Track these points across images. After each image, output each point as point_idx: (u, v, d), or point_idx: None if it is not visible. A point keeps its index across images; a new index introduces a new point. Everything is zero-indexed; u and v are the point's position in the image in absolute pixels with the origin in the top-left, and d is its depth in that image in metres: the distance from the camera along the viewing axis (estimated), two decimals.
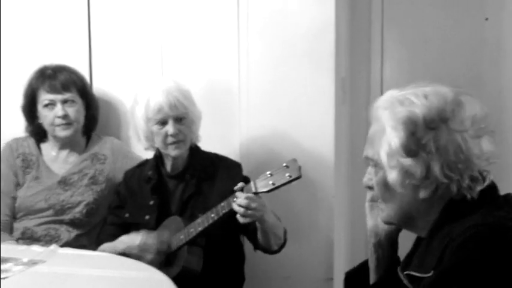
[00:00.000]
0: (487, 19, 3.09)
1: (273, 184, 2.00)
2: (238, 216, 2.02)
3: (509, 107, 3.07)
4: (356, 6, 3.14)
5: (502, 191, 1.42)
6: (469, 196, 1.29)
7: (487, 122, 1.32)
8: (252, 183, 2.04)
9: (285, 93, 2.55)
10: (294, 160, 2.00)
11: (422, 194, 1.32)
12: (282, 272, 2.54)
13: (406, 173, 1.31)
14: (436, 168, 1.28)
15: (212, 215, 2.08)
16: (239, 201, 2.01)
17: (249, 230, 2.19)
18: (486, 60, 3.09)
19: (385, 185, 1.36)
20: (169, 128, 2.23)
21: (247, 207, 1.99)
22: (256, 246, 2.23)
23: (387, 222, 1.43)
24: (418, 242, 1.44)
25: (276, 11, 2.53)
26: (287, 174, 1.98)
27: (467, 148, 1.28)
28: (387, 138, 1.33)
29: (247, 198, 2.00)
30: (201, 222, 2.10)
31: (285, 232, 2.21)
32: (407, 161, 1.30)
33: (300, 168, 1.98)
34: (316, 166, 2.47)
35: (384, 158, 1.34)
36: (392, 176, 1.33)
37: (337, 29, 2.51)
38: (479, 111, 1.31)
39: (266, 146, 2.58)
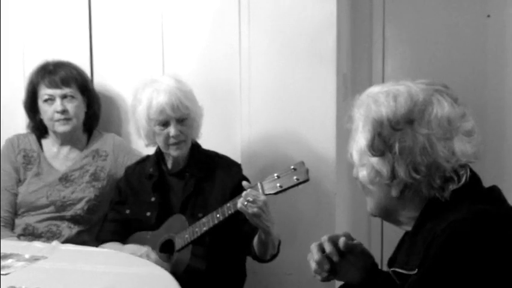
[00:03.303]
0: (489, 16, 3.08)
1: (281, 187, 1.99)
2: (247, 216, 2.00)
3: None
4: (357, 3, 3.14)
5: (505, 189, 1.42)
6: (439, 197, 1.30)
7: (462, 122, 1.32)
8: (258, 185, 2.02)
9: (287, 91, 2.55)
10: (302, 163, 1.99)
11: (393, 192, 1.34)
12: (284, 269, 2.54)
13: (375, 172, 1.34)
14: (401, 169, 1.30)
15: (218, 215, 2.08)
16: (245, 194, 1.97)
17: (242, 235, 2.18)
18: (488, 57, 3.08)
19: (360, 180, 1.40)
20: (171, 129, 2.22)
21: (253, 202, 1.97)
22: (248, 252, 2.21)
23: (372, 215, 1.44)
24: (404, 238, 1.45)
25: (277, 8, 2.53)
26: (295, 177, 1.97)
27: (434, 151, 1.28)
28: (358, 137, 1.37)
29: (254, 194, 1.98)
30: (206, 222, 2.10)
31: (279, 243, 2.19)
32: (375, 160, 1.33)
33: (307, 171, 1.97)
34: (318, 163, 2.47)
35: (355, 156, 1.39)
36: (363, 173, 1.37)
37: (338, 25, 2.51)
38: (449, 112, 1.31)
39: (268, 143, 2.58)
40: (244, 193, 2.00)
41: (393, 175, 1.31)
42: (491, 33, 3.08)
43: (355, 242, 1.46)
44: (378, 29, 3.22)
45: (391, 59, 3.22)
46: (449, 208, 1.29)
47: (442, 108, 1.31)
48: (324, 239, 1.45)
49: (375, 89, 1.38)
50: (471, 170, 1.34)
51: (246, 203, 1.97)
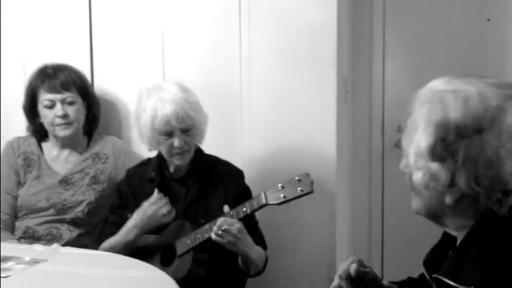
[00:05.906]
0: (489, 20, 3.09)
1: (284, 197, 1.98)
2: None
3: None
4: (358, 6, 3.15)
5: None
6: (497, 210, 1.21)
7: None
8: (262, 195, 2.01)
9: (287, 94, 2.55)
10: (307, 174, 1.98)
11: (448, 199, 1.25)
12: (284, 273, 2.54)
13: (431, 176, 1.24)
14: (461, 179, 1.21)
15: None
16: (220, 224, 2.00)
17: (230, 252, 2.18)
18: (488, 61, 3.09)
19: (412, 181, 1.30)
20: (176, 140, 2.18)
21: (227, 231, 1.99)
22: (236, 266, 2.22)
23: (417, 213, 1.35)
24: (445, 240, 1.38)
25: (277, 11, 2.53)
26: (299, 189, 1.96)
27: (500, 164, 1.19)
28: (417, 137, 1.25)
29: (229, 223, 2.00)
30: (208, 229, 2.09)
31: (266, 260, 2.20)
32: (434, 165, 1.23)
33: (312, 182, 1.97)
34: (319, 167, 2.47)
35: (411, 156, 1.27)
36: (418, 176, 1.27)
37: (338, 29, 2.51)
38: None
39: (268, 147, 2.58)
40: (218, 222, 2.01)
41: (451, 183, 1.22)
42: (491, 37, 3.09)
43: (367, 269, 1.39)
44: (378, 33, 3.23)
45: (391, 62, 3.23)
46: (506, 223, 1.21)
47: None
48: (340, 274, 1.40)
49: (440, 85, 1.26)
50: None
51: (220, 232, 1.99)
